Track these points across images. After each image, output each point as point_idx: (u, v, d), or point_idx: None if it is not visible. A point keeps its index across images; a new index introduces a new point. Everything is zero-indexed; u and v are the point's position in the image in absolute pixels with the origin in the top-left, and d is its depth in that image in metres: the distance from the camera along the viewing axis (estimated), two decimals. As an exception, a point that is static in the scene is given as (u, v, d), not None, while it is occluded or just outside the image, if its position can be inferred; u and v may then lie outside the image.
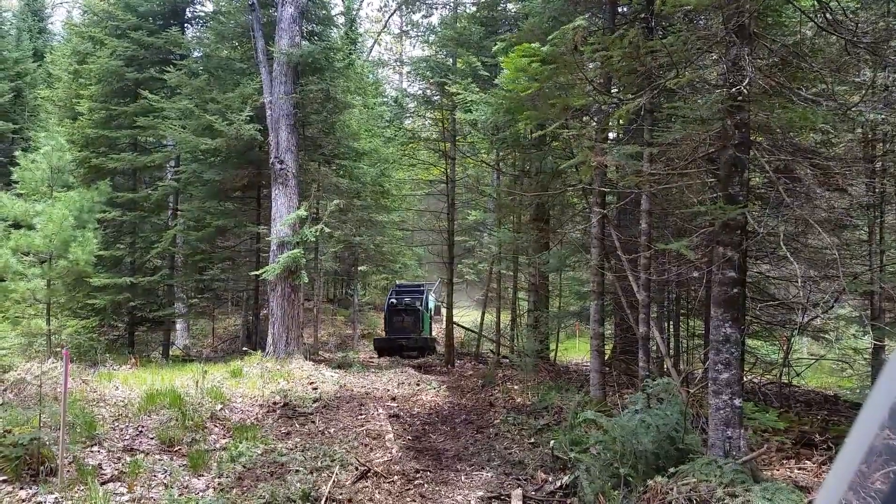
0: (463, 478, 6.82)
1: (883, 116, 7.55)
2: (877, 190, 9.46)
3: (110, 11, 17.10)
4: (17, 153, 12.79)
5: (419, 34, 17.90)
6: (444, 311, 21.18)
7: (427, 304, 19.51)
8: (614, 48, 6.00)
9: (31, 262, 11.53)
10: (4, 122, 22.44)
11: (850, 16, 6.06)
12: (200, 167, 15.97)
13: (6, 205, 11.29)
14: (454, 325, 16.91)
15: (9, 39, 25.88)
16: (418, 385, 12.39)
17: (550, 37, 5.92)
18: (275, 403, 9.58)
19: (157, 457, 6.75)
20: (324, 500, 5.76)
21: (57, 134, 13.85)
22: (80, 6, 22.71)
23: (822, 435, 7.44)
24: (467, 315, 23.15)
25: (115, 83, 16.81)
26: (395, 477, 6.68)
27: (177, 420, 7.76)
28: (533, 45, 6.06)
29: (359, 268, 22.49)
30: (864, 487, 3.95)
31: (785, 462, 6.59)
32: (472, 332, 19.47)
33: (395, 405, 10.48)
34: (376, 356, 17.68)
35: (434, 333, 21.02)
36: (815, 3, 5.80)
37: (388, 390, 11.71)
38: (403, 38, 37.14)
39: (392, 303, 18.47)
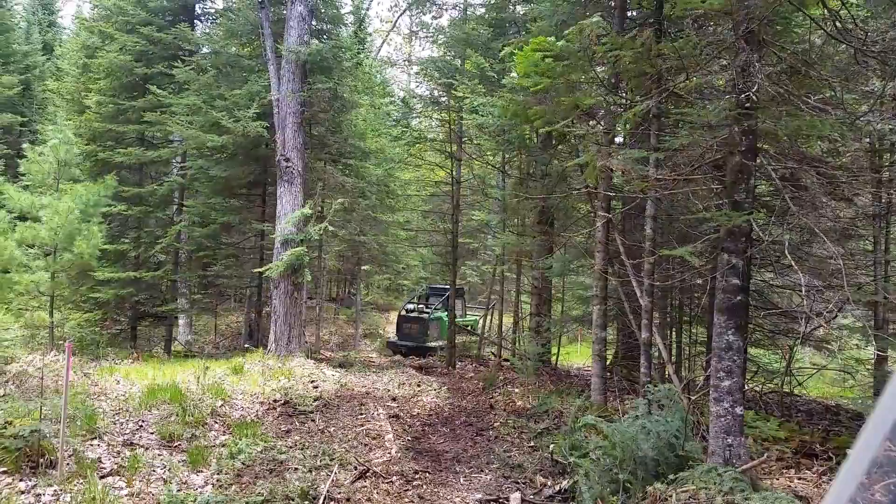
0: (462, 480, 6.81)
1: (891, 127, 7.52)
2: (883, 200, 9.43)
3: (120, 6, 17.16)
4: (24, 146, 12.86)
5: (428, 35, 17.84)
6: (471, 315, 21.23)
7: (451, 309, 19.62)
8: (626, 49, 5.99)
9: (35, 254, 11.55)
10: (13, 114, 22.57)
11: (860, 24, 6.03)
12: (207, 163, 16.00)
13: (12, 197, 11.32)
14: (456, 327, 16.89)
15: (18, 32, 26.03)
16: (419, 386, 12.38)
17: (566, 32, 5.91)
18: (275, 401, 9.59)
19: (157, 452, 6.76)
20: (322, 498, 5.75)
21: (64, 127, 13.86)
22: (90, 1, 22.77)
23: (823, 445, 7.41)
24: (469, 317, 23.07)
25: (123, 78, 16.91)
26: (394, 477, 6.67)
27: (177, 415, 7.77)
28: (548, 38, 6.04)
29: (362, 267, 22.48)
30: (864, 499, 3.93)
31: (785, 472, 6.55)
32: (475, 334, 19.45)
33: (396, 405, 10.47)
34: (377, 357, 17.85)
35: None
36: (825, 11, 5.78)
37: (389, 391, 11.70)
38: (413, 38, 37.18)
39: (408, 308, 18.92)
